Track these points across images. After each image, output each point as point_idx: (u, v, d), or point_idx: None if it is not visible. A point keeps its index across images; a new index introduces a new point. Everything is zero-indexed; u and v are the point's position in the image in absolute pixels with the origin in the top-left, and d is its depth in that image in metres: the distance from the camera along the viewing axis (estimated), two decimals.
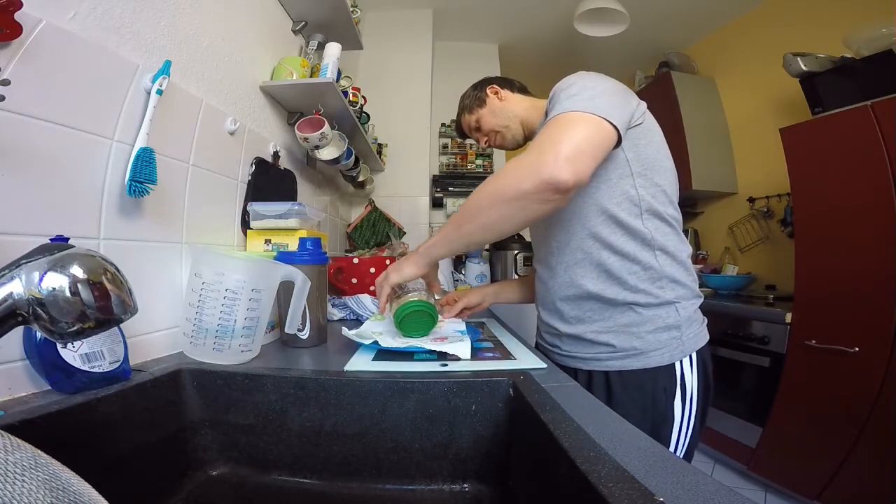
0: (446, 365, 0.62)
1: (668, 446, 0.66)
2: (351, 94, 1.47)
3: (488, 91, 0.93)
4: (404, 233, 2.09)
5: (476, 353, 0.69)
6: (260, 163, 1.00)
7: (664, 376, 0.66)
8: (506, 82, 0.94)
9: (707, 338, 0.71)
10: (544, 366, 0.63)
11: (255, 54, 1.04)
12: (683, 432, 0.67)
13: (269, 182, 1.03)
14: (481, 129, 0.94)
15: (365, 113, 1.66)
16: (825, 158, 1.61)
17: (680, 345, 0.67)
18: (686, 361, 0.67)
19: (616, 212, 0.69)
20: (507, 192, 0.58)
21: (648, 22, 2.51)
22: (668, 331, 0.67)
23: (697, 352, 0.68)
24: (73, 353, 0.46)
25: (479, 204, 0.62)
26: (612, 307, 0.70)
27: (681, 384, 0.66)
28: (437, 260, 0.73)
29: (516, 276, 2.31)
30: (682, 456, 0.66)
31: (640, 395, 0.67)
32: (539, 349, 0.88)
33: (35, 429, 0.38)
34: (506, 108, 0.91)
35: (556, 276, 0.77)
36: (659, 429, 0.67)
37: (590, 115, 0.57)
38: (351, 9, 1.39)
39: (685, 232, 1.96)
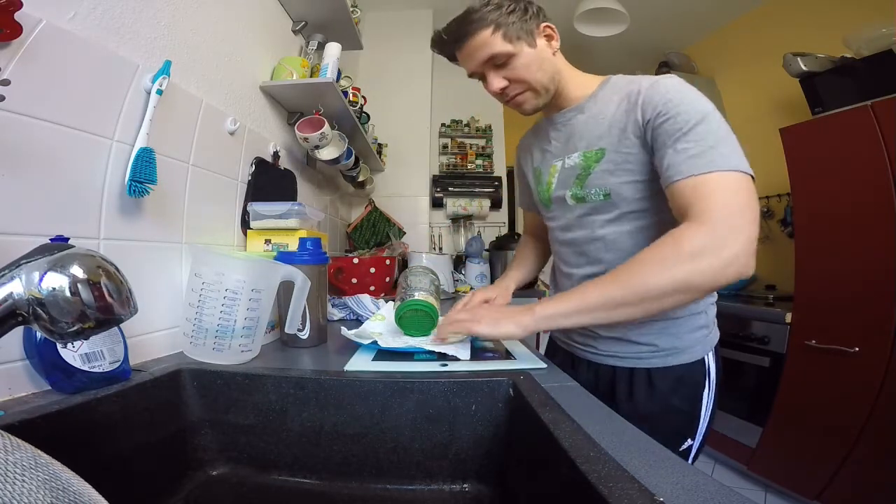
0: (446, 365, 0.62)
1: (696, 433, 0.71)
2: (351, 94, 1.47)
3: (544, 28, 0.70)
4: (404, 233, 2.09)
5: (476, 353, 0.69)
6: (260, 163, 1.00)
7: (698, 369, 0.72)
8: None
9: (718, 336, 0.77)
10: (544, 366, 0.63)
11: (255, 54, 1.04)
12: (707, 419, 0.73)
13: (269, 182, 1.03)
14: (507, 69, 0.69)
15: (365, 113, 1.66)
16: (825, 158, 1.61)
17: (708, 341, 0.73)
18: (711, 354, 0.73)
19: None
20: (702, 286, 0.52)
21: (648, 22, 2.50)
22: (700, 330, 0.72)
23: (715, 347, 0.75)
24: (73, 353, 0.46)
25: (660, 288, 0.53)
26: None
27: (708, 375, 0.72)
28: (551, 329, 0.68)
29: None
30: (702, 442, 0.72)
31: (681, 386, 0.71)
32: (558, 345, 0.88)
33: (35, 429, 0.38)
34: (554, 64, 0.72)
35: None
36: (694, 417, 0.72)
37: (748, 180, 0.54)
38: (351, 9, 1.39)
39: None
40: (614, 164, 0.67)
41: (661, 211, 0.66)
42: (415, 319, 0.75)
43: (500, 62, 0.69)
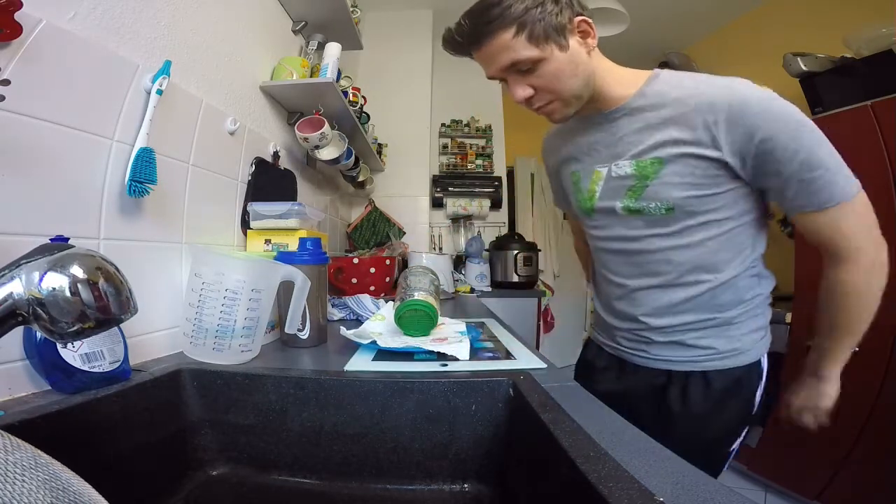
0: (446, 365, 0.62)
1: (740, 434, 0.73)
2: (351, 94, 1.47)
3: (579, 23, 0.60)
4: (404, 233, 2.09)
5: (476, 353, 0.69)
6: (260, 163, 1.00)
7: (755, 371, 0.71)
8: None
9: (771, 339, 0.76)
10: (544, 366, 0.63)
11: (255, 54, 1.04)
12: (756, 418, 0.74)
13: (269, 182, 1.03)
14: (533, 76, 0.61)
15: (365, 113, 1.66)
16: None
17: (764, 343, 0.73)
18: (765, 357, 0.73)
19: (754, 234, 0.69)
20: (879, 296, 0.64)
21: (648, 22, 2.51)
22: (759, 331, 0.72)
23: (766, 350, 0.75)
24: (73, 353, 0.46)
25: (870, 309, 0.65)
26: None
27: (762, 376, 0.72)
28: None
29: (516, 277, 2.32)
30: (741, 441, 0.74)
31: (738, 387, 0.70)
32: (603, 349, 0.85)
33: (35, 429, 0.38)
34: (589, 67, 0.63)
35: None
36: (747, 417, 0.72)
37: (864, 194, 0.61)
38: (351, 9, 1.39)
39: None
40: (678, 176, 0.62)
41: (729, 220, 0.65)
42: (415, 319, 0.75)
43: (524, 68, 0.61)
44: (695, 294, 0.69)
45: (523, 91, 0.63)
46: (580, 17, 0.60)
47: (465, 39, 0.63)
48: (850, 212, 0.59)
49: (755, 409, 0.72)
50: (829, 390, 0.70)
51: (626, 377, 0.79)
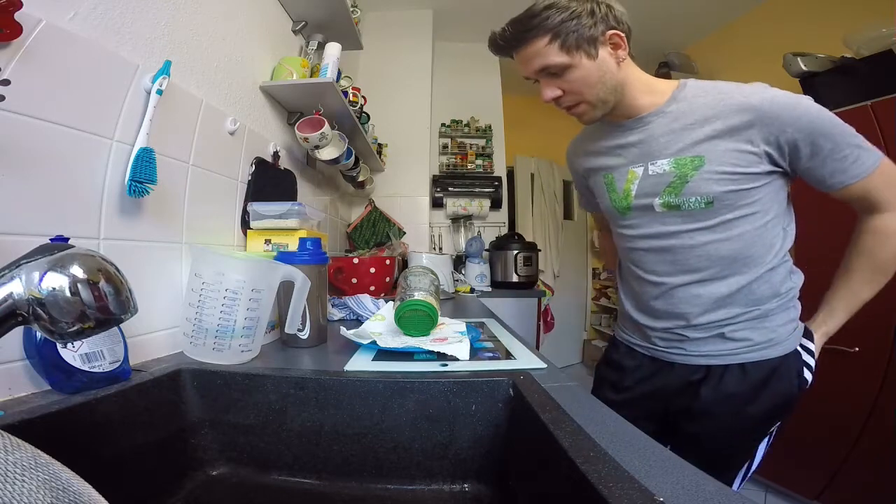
0: (446, 365, 0.62)
1: (772, 427, 0.74)
2: (351, 94, 1.47)
3: (611, 36, 0.66)
4: (404, 233, 2.09)
5: (476, 353, 0.69)
6: (260, 163, 1.00)
7: (793, 360, 0.73)
8: (628, 35, 0.68)
9: (803, 328, 0.78)
10: (544, 366, 0.63)
11: (255, 54, 1.04)
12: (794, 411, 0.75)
13: (269, 182, 1.03)
14: (562, 80, 0.68)
15: (365, 113, 1.66)
16: None
17: (798, 333, 0.74)
18: (800, 346, 0.74)
19: (786, 226, 0.73)
20: None
21: (648, 22, 2.51)
22: (791, 323, 0.74)
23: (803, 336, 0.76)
24: (73, 353, 0.46)
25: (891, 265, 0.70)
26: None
27: (802, 366, 0.73)
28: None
29: (516, 277, 2.32)
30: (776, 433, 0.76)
31: (774, 376, 0.72)
32: (634, 350, 0.85)
33: (35, 429, 0.38)
34: (617, 77, 0.69)
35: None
36: (784, 408, 0.73)
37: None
38: (351, 9, 1.39)
39: None
40: (717, 172, 0.67)
41: (763, 214, 0.69)
42: (415, 319, 0.75)
43: (554, 72, 0.67)
44: (735, 288, 0.71)
45: (552, 92, 0.70)
46: (613, 31, 0.66)
47: (505, 43, 0.70)
48: (881, 175, 0.66)
49: (794, 397, 0.73)
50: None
51: (661, 375, 0.80)
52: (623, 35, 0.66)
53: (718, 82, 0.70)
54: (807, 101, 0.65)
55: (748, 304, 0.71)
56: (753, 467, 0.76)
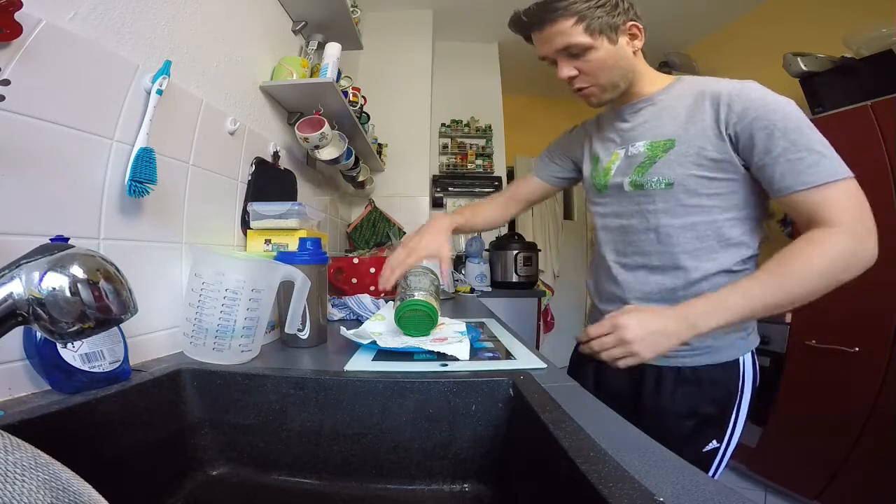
0: (446, 365, 0.62)
1: (724, 437, 0.72)
2: (351, 94, 1.47)
3: (630, 27, 0.70)
4: (404, 233, 2.09)
5: (476, 353, 0.69)
6: (260, 163, 1.00)
7: (732, 372, 0.72)
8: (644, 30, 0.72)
9: (758, 339, 0.76)
10: (544, 366, 0.63)
11: (255, 54, 1.04)
12: (738, 424, 0.73)
13: (269, 182, 1.03)
14: (581, 60, 0.70)
15: (365, 113, 1.66)
16: None
17: (744, 344, 0.73)
18: (748, 357, 0.73)
19: (747, 233, 0.70)
20: (842, 278, 0.59)
21: (648, 22, 2.48)
22: (738, 332, 0.72)
23: (752, 350, 0.74)
24: (73, 353, 0.46)
25: (816, 292, 0.59)
26: None
27: (742, 378, 0.72)
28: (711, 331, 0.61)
29: (516, 277, 2.32)
30: (732, 447, 0.73)
31: (711, 387, 0.71)
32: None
33: (35, 429, 0.38)
34: (630, 63, 0.73)
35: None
36: (723, 419, 0.72)
37: (856, 181, 0.60)
38: (351, 9, 1.39)
39: None
40: (683, 155, 0.69)
41: (723, 210, 0.69)
42: (415, 319, 0.75)
43: (575, 52, 0.69)
44: (682, 283, 0.70)
45: (569, 71, 0.72)
46: (633, 22, 0.71)
47: (530, 20, 0.72)
48: (839, 192, 0.59)
49: (735, 415, 0.71)
50: (678, 335, 0.60)
51: (604, 371, 0.81)
52: (641, 27, 0.71)
53: (712, 78, 0.72)
54: (782, 99, 0.63)
55: None
56: (724, 449, 0.73)
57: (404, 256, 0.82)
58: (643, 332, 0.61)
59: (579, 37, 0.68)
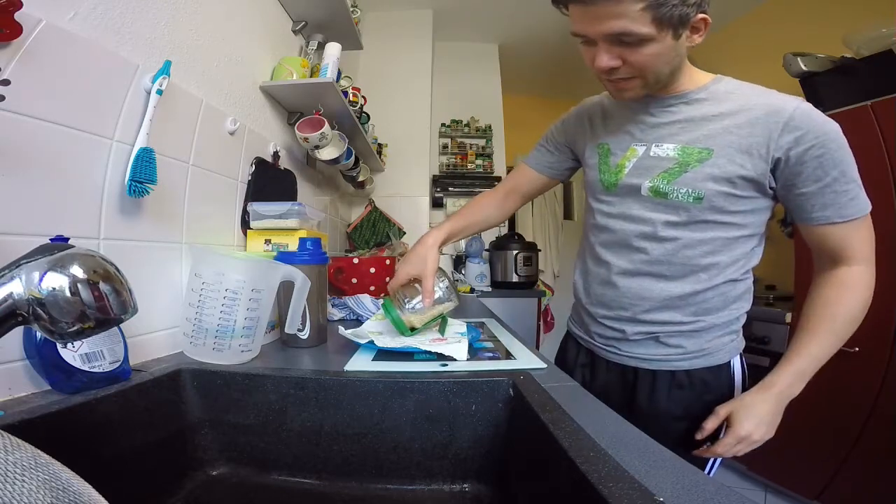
0: (446, 365, 0.62)
1: (718, 437, 0.71)
2: (351, 94, 1.47)
3: (699, 21, 0.59)
4: (404, 233, 2.09)
5: (476, 353, 0.69)
6: (260, 163, 1.00)
7: (724, 374, 0.72)
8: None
9: (744, 342, 0.77)
10: (544, 366, 0.63)
11: (255, 54, 1.04)
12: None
13: (269, 182, 1.03)
14: (631, 50, 0.59)
15: (365, 113, 1.66)
16: None
17: (734, 346, 0.73)
18: (737, 359, 0.74)
19: (755, 246, 0.71)
20: (869, 304, 0.66)
21: None
22: (730, 335, 0.73)
23: (741, 353, 0.75)
24: (73, 353, 0.46)
25: (856, 323, 0.67)
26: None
27: (733, 379, 0.73)
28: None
29: (516, 277, 2.31)
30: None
31: (705, 390, 0.72)
32: (578, 341, 0.87)
33: (35, 429, 0.38)
34: (683, 60, 0.66)
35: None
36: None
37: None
38: (351, 9, 1.39)
39: None
40: (720, 169, 0.64)
41: (741, 228, 0.67)
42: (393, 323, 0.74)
43: (629, 41, 0.58)
44: (689, 291, 0.69)
45: (610, 60, 0.61)
46: (703, 15, 0.59)
47: None
48: (865, 225, 0.64)
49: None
50: (779, 412, 0.67)
51: (597, 371, 0.81)
52: (708, 21, 0.60)
53: (754, 85, 0.67)
54: (835, 125, 0.61)
55: (695, 314, 0.70)
56: (712, 463, 0.74)
57: (391, 282, 0.79)
58: (761, 424, 0.66)
59: (643, 26, 0.55)
